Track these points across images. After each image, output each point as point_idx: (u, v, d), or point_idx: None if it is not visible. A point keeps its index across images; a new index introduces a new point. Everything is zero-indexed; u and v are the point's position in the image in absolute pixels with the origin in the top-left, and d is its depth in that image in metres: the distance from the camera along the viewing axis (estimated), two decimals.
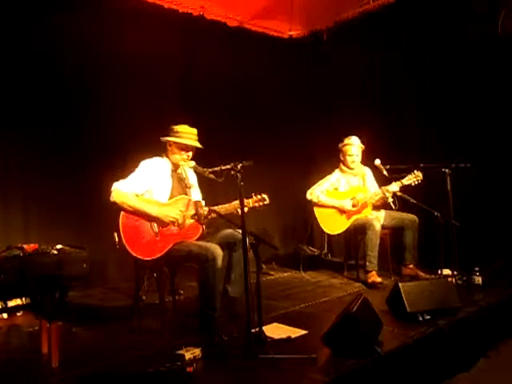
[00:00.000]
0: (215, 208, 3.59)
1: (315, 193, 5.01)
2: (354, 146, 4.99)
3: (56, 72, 4.72)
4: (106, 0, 4.95)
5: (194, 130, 3.68)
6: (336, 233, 5.00)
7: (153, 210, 3.46)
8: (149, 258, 3.42)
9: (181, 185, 3.74)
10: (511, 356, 3.69)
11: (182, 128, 3.64)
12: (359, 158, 5.02)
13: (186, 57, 5.74)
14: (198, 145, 3.66)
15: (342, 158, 5.07)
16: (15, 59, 4.47)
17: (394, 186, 4.68)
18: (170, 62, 5.55)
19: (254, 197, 3.71)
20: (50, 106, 4.68)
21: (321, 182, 5.10)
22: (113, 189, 3.43)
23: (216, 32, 5.89)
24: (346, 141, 5.02)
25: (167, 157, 3.70)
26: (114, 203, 3.41)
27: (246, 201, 3.57)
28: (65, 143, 4.74)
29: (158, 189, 3.59)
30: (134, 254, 3.38)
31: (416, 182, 4.67)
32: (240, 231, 3.11)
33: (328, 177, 5.12)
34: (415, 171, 4.66)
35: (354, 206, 4.92)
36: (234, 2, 5.79)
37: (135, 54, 5.11)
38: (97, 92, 4.93)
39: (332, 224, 4.98)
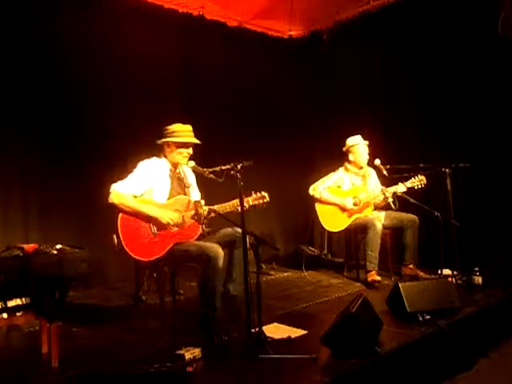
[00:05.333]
0: (214, 207, 3.59)
1: (318, 188, 5.01)
2: (363, 144, 4.99)
3: (56, 72, 4.71)
4: (106, 0, 4.95)
5: (190, 127, 3.67)
6: (336, 230, 5.00)
7: (151, 211, 3.45)
8: (148, 259, 3.41)
9: (180, 184, 3.73)
10: (511, 356, 3.69)
11: (178, 127, 3.63)
12: (367, 157, 5.01)
13: (185, 57, 5.74)
14: (197, 141, 3.65)
15: (351, 159, 5.05)
16: (15, 60, 4.46)
17: (397, 188, 4.68)
18: (170, 61, 5.54)
19: (254, 195, 3.69)
20: (51, 107, 4.68)
21: (324, 178, 5.09)
22: (111, 190, 3.43)
23: (216, 32, 5.88)
24: (354, 141, 5.00)
25: (165, 157, 3.69)
26: (113, 204, 3.41)
27: (245, 199, 3.55)
28: (65, 143, 4.74)
29: (156, 189, 3.58)
30: (134, 256, 3.37)
31: (419, 186, 4.66)
32: (239, 229, 3.11)
33: (331, 174, 5.12)
34: (419, 175, 4.65)
35: (355, 204, 4.92)
36: (234, 1, 5.79)
37: (135, 54, 5.10)
38: (97, 92, 4.92)
39: (332, 221, 4.98)
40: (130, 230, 3.40)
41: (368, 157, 5.00)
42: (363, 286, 4.71)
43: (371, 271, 4.67)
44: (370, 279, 4.64)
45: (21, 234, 4.47)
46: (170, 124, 3.66)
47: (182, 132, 3.62)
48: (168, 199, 3.61)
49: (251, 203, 3.67)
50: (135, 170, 3.56)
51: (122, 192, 3.42)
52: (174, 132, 3.61)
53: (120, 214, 3.40)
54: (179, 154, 3.64)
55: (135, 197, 3.49)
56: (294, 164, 6.21)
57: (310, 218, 5.29)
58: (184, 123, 3.68)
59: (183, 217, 3.56)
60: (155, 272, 3.57)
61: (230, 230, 3.67)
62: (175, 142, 3.61)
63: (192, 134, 3.66)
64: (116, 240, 3.37)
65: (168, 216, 3.47)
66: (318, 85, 6.67)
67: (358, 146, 4.99)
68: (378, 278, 4.61)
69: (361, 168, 5.05)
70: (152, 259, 3.42)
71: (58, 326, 2.91)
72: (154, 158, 3.67)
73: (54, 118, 4.70)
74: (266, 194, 3.73)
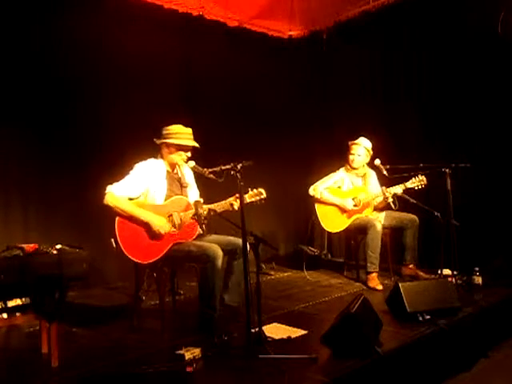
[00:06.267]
0: (211, 206, 3.58)
1: (318, 189, 5.00)
2: (357, 145, 4.98)
3: (55, 72, 4.71)
4: (105, 0, 4.95)
5: (190, 130, 3.66)
6: (336, 231, 4.99)
7: (144, 216, 3.41)
8: (148, 261, 3.41)
9: (176, 185, 3.71)
10: (511, 356, 3.69)
11: (179, 128, 3.61)
12: (361, 159, 4.99)
13: (185, 57, 5.74)
14: (197, 144, 3.65)
15: (347, 157, 5.08)
16: (14, 59, 4.46)
17: (397, 189, 4.68)
18: (170, 62, 5.55)
19: (251, 191, 3.67)
20: (50, 107, 4.68)
21: (324, 178, 5.09)
22: (106, 192, 3.41)
23: (216, 32, 5.88)
24: (353, 140, 5.02)
25: (162, 158, 3.66)
26: (107, 206, 3.40)
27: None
28: (64, 143, 4.74)
29: (153, 191, 3.57)
30: (133, 259, 3.37)
31: (420, 187, 4.65)
32: (240, 236, 3.10)
33: (332, 174, 5.11)
34: (419, 175, 4.64)
35: (355, 205, 4.92)
36: (234, 1, 5.79)
37: (134, 55, 5.10)
38: (96, 92, 4.92)
39: (332, 222, 4.97)
40: (128, 232, 3.39)
41: (359, 160, 4.98)
42: (363, 286, 4.71)
43: (372, 273, 4.67)
44: (372, 285, 4.63)
45: (21, 233, 4.48)
46: (170, 124, 3.65)
47: (183, 134, 3.60)
48: (165, 200, 3.60)
49: (248, 200, 3.64)
50: (131, 172, 3.54)
51: (117, 194, 3.41)
52: (175, 134, 3.59)
53: (117, 218, 3.39)
54: (178, 156, 3.63)
55: (131, 199, 3.48)
56: (294, 164, 6.21)
57: (310, 218, 5.29)
58: (184, 123, 3.67)
59: (181, 217, 3.55)
60: (155, 272, 3.56)
61: (231, 238, 3.62)
62: (176, 144, 3.60)
63: (192, 137, 3.64)
64: (114, 243, 3.37)
65: (158, 224, 3.42)
66: (318, 85, 6.68)
67: (352, 145, 5.01)
68: (380, 287, 4.57)
69: (353, 168, 5.06)
70: (151, 261, 3.42)
71: (57, 326, 2.91)
72: (151, 160, 3.65)
73: (53, 117, 4.70)
74: (262, 190, 3.70)
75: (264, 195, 3.70)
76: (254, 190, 3.68)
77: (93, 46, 4.89)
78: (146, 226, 3.43)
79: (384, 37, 5.96)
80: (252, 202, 3.67)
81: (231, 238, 3.62)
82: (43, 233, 4.54)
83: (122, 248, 3.34)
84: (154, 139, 3.64)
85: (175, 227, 3.52)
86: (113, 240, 3.37)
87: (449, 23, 5.31)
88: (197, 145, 3.64)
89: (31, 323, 3.32)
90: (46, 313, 2.92)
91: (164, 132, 3.63)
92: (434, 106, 5.54)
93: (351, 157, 5.01)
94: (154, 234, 3.44)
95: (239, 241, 3.29)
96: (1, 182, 4.47)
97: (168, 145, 3.62)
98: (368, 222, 4.74)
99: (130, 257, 3.35)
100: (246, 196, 3.63)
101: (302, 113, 6.58)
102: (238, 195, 3.30)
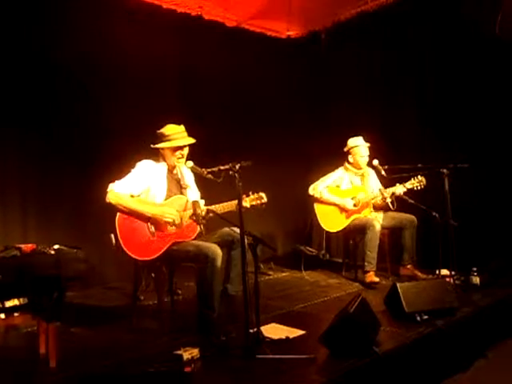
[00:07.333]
0: (212, 207, 3.58)
1: (318, 188, 5.01)
2: (364, 146, 4.99)
3: (54, 72, 4.70)
4: (104, 0, 4.94)
5: (182, 127, 3.65)
6: (334, 230, 5.00)
7: (149, 210, 3.44)
8: (146, 259, 3.42)
9: (176, 186, 3.72)
10: (509, 356, 3.69)
11: (170, 130, 3.61)
12: (367, 158, 5.01)
13: (184, 57, 5.73)
14: (191, 141, 3.63)
15: (350, 160, 5.05)
16: (13, 59, 4.46)
17: (396, 189, 4.68)
18: (169, 62, 5.54)
19: (252, 195, 3.68)
20: (49, 107, 4.68)
21: (323, 178, 5.10)
22: (108, 190, 3.43)
23: (214, 32, 5.88)
24: (355, 142, 5.01)
25: (163, 160, 3.68)
26: (110, 204, 3.41)
27: (243, 199, 3.54)
28: (63, 143, 4.73)
29: (153, 190, 3.58)
30: (131, 255, 3.37)
31: (418, 187, 4.66)
32: (237, 230, 3.11)
33: (331, 174, 5.12)
34: (419, 176, 4.65)
35: (355, 205, 4.92)
36: (233, 2, 5.78)
37: (133, 55, 5.10)
38: (95, 92, 4.92)
39: (331, 221, 4.98)
40: (128, 229, 3.40)
41: (368, 159, 4.99)
42: (361, 286, 4.72)
43: (369, 272, 4.68)
44: (368, 280, 4.65)
45: (19, 234, 4.47)
46: (165, 124, 3.64)
47: (175, 135, 3.60)
48: (165, 200, 3.61)
49: (249, 204, 3.66)
50: (133, 170, 3.56)
51: (119, 192, 3.42)
52: (167, 136, 3.59)
53: (118, 214, 3.40)
54: (174, 157, 3.63)
55: (132, 196, 3.49)
56: (293, 164, 6.21)
57: (309, 218, 5.29)
58: (182, 123, 3.67)
59: (181, 217, 3.56)
60: (153, 272, 3.56)
61: (227, 229, 3.65)
62: (170, 147, 3.60)
63: (185, 134, 3.64)
64: (114, 239, 3.37)
65: (166, 216, 3.46)
66: (317, 85, 6.67)
67: (358, 147, 4.99)
68: (377, 279, 4.61)
69: (361, 169, 5.06)
70: (150, 259, 3.42)
71: (55, 326, 2.91)
72: (152, 160, 3.66)
73: (52, 117, 4.70)
74: (263, 195, 3.71)
75: (265, 199, 3.71)
76: (255, 194, 3.69)
77: (92, 46, 4.88)
78: (151, 221, 3.45)
79: (382, 37, 5.96)
80: (253, 206, 3.68)
81: (226, 229, 3.65)
82: (41, 233, 4.53)
83: (122, 244, 3.34)
84: (151, 145, 3.64)
85: (175, 226, 3.52)
86: (112, 235, 3.37)
87: (447, 23, 5.32)
88: (190, 141, 3.63)
89: (29, 323, 3.30)
90: (43, 313, 2.92)
91: (157, 136, 3.63)
92: (433, 106, 5.54)
93: (362, 159, 4.98)
94: (157, 228, 3.45)
95: (235, 230, 3.34)
96: None
97: (163, 148, 3.63)
98: (367, 222, 4.75)
99: (128, 253, 3.36)
100: (248, 199, 3.64)
101: (301, 113, 6.59)
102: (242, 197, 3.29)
